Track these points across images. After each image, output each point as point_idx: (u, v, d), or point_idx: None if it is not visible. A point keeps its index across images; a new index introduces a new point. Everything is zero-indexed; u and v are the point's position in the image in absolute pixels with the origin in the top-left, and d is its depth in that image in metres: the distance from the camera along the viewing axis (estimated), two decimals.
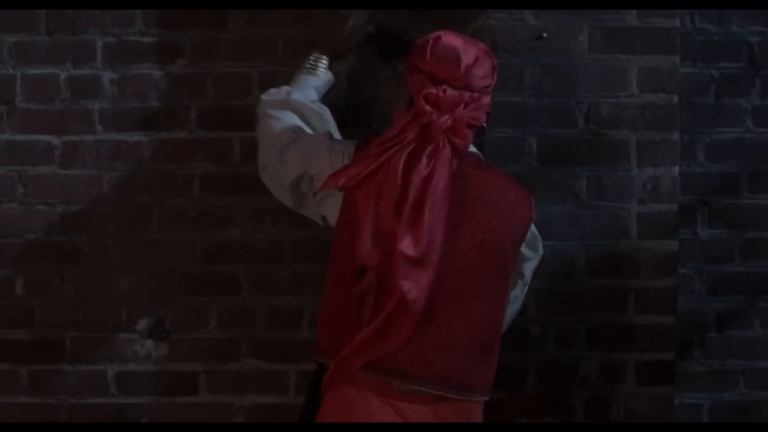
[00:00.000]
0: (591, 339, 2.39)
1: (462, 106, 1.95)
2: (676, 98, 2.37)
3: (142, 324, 2.68)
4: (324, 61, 2.27)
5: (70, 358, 2.69)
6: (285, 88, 2.22)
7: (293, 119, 2.15)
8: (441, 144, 1.93)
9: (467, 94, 1.95)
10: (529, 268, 2.19)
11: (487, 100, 2.00)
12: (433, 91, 1.93)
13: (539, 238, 2.17)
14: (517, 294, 2.18)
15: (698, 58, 2.66)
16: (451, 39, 1.98)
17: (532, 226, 2.11)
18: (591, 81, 2.35)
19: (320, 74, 2.26)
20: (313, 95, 2.24)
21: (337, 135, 2.14)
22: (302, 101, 2.19)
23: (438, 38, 1.98)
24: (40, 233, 2.67)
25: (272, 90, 2.23)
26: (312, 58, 2.27)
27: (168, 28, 2.63)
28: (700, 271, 2.70)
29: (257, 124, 2.21)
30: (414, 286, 1.88)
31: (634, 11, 2.34)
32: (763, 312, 2.75)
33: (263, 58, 2.64)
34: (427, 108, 1.93)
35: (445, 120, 1.93)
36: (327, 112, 2.20)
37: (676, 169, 2.39)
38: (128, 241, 2.67)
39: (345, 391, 1.95)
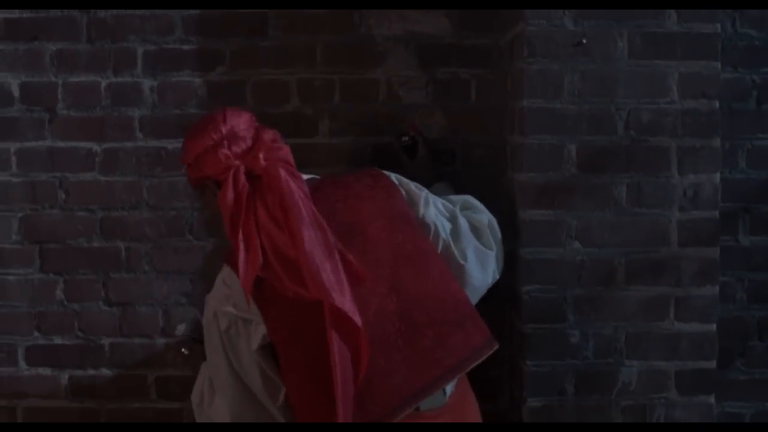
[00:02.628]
0: (631, 347, 2.37)
1: (248, 149, 2.00)
2: (717, 104, 2.35)
3: (181, 329, 2.70)
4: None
5: (110, 363, 2.72)
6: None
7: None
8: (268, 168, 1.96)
9: (242, 143, 2.00)
10: (429, 211, 2.16)
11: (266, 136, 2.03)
12: (225, 151, 1.97)
13: (412, 184, 2.17)
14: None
15: (739, 63, 2.63)
16: (190, 136, 2.04)
17: (399, 182, 2.14)
18: (631, 87, 2.33)
19: None
20: None
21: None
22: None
23: (185, 141, 2.06)
24: (80, 239, 2.70)
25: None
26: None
27: (207, 35, 2.65)
28: (742, 279, 2.67)
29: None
30: (348, 304, 1.89)
31: (675, 17, 2.32)
32: None
33: (302, 65, 2.65)
34: (235, 162, 1.97)
35: (255, 155, 1.97)
36: None
37: (717, 176, 2.36)
38: (167, 247, 2.69)
39: None
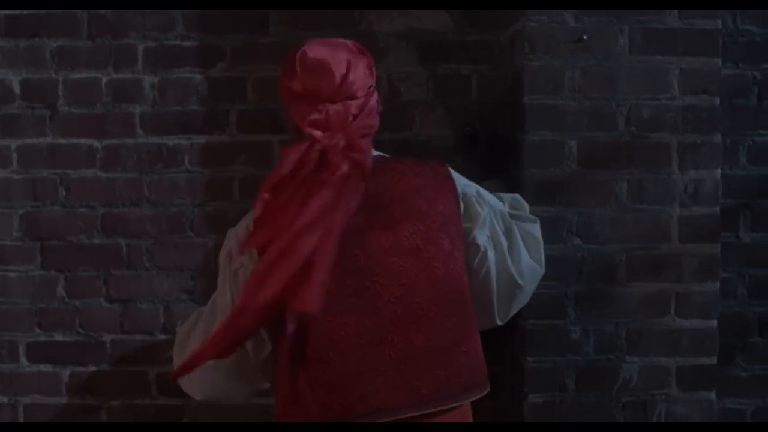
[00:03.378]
0: (632, 343, 2.37)
1: (351, 118, 1.88)
2: (717, 100, 2.35)
3: None
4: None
5: (111, 360, 2.72)
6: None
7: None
8: (341, 166, 1.85)
9: (353, 104, 1.89)
10: (483, 233, 2.04)
11: (373, 100, 1.94)
12: (317, 116, 1.88)
13: (475, 198, 2.04)
14: (490, 257, 2.06)
15: (740, 59, 2.63)
16: (317, 50, 1.90)
17: (462, 194, 2.01)
18: (632, 83, 2.33)
19: None
20: None
21: None
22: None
23: (304, 54, 1.90)
24: (81, 236, 2.70)
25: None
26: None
27: (208, 32, 2.65)
28: (743, 275, 2.68)
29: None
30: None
31: (675, 13, 2.32)
32: None
33: None
34: (317, 133, 1.87)
35: (339, 139, 1.86)
36: None
37: (718, 172, 2.36)
38: (168, 244, 2.69)
39: None
